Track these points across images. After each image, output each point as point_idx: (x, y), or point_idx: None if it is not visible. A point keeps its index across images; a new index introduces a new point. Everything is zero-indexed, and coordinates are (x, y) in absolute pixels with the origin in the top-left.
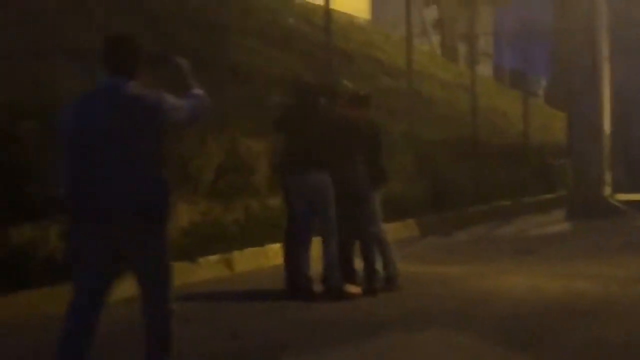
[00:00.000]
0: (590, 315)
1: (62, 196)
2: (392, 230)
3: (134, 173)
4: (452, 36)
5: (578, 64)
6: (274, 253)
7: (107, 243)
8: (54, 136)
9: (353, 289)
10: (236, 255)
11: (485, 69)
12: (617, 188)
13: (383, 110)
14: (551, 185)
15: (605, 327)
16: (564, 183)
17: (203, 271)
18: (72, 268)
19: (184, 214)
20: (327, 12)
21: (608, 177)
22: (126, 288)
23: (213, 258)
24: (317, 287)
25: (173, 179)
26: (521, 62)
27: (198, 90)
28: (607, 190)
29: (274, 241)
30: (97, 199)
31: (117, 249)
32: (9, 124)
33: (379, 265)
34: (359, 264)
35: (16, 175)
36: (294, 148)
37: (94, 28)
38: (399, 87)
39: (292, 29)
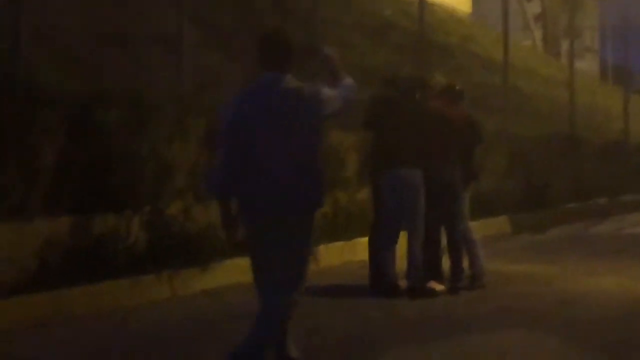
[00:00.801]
0: None
1: (215, 187)
2: (483, 227)
3: (298, 166)
4: (555, 31)
5: None
6: (361, 247)
7: (272, 232)
8: (140, 125)
9: (437, 286)
10: (322, 249)
11: (589, 65)
12: None
13: (478, 106)
14: None
15: None
16: None
17: None
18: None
19: None
20: (421, 2)
21: None
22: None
23: None
24: (401, 284)
25: None
26: (625, 58)
27: (348, 80)
28: None
29: (362, 235)
30: (266, 192)
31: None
32: (94, 113)
33: (465, 264)
34: (445, 261)
35: (100, 164)
36: (386, 143)
37: (186, 16)
38: (495, 82)
39: (389, 22)
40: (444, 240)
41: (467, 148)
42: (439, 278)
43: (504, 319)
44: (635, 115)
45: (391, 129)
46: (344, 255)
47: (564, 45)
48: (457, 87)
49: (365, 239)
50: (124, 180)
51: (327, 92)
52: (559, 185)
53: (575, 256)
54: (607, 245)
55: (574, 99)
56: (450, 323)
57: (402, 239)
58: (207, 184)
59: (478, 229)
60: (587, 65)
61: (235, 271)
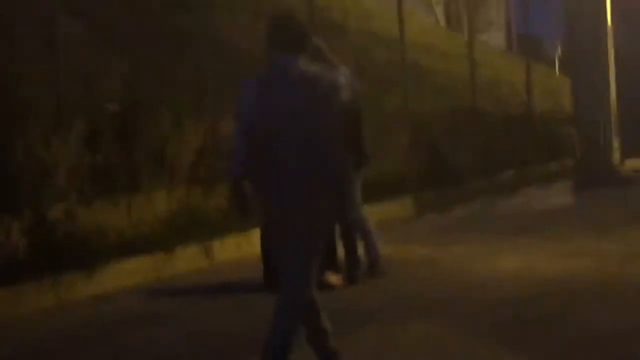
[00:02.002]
0: (582, 299)
1: (237, 171)
2: (386, 210)
3: (317, 151)
4: (458, 6)
5: (583, 28)
6: (257, 239)
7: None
8: (15, 122)
9: (333, 278)
10: (216, 243)
11: (496, 38)
12: (626, 154)
13: (379, 85)
14: (557, 155)
15: (597, 313)
16: (571, 152)
17: (180, 262)
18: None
19: (161, 203)
20: None
21: (616, 143)
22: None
23: (191, 248)
24: None
25: (150, 164)
26: (533, 28)
27: (345, 69)
28: (616, 157)
29: (258, 226)
30: (285, 178)
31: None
32: None
33: (361, 252)
34: (340, 251)
35: None
36: None
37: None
38: (395, 60)
39: (284, 4)
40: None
41: (353, 130)
42: (334, 268)
43: (403, 309)
44: (540, 86)
45: None
46: (240, 248)
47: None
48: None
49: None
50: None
51: (342, 78)
52: (463, 161)
53: (479, 236)
54: (513, 222)
55: (474, 72)
56: (348, 317)
57: None
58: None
59: (380, 212)
60: (493, 38)
61: (124, 274)
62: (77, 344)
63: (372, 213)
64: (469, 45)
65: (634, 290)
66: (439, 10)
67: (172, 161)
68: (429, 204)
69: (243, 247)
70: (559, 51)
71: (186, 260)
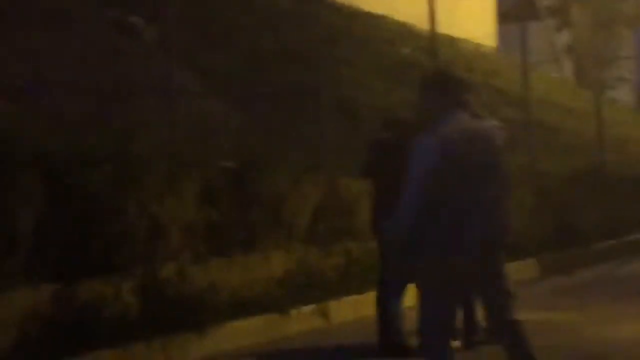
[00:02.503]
0: None
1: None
2: (510, 272)
3: (500, 207)
4: (587, 61)
5: None
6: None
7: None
8: (128, 182)
9: (451, 343)
10: (333, 304)
11: (625, 95)
12: None
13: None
14: None
15: None
16: None
17: (296, 323)
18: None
19: (277, 262)
20: (434, 35)
21: None
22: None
23: (307, 308)
24: (412, 341)
25: (266, 223)
26: None
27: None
28: None
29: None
30: (471, 232)
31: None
32: (77, 172)
33: (480, 315)
34: (459, 314)
35: (85, 226)
36: (386, 192)
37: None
38: (520, 117)
39: (407, 60)
40: None
41: None
42: (452, 333)
43: None
44: None
45: (391, 177)
46: (357, 310)
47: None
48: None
49: None
50: (112, 242)
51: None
52: (589, 223)
53: (603, 299)
54: (637, 285)
55: (602, 131)
56: None
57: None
58: (395, 224)
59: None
60: (622, 95)
61: (236, 334)
62: None
63: None
64: (596, 101)
65: None
66: (568, 66)
67: (289, 220)
68: (552, 265)
69: (360, 309)
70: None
71: (301, 321)
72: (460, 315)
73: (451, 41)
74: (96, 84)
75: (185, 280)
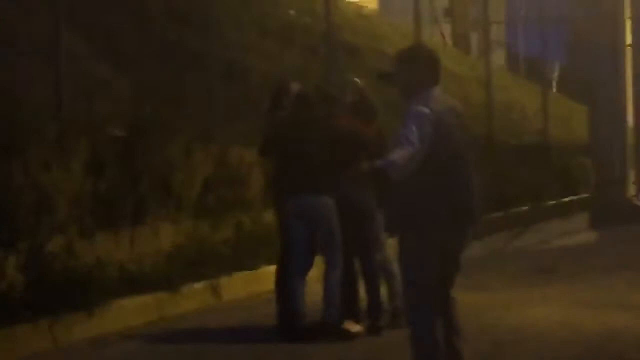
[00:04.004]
0: None
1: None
2: None
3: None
4: (464, 25)
5: (599, 54)
6: (267, 277)
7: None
8: (12, 149)
9: (353, 327)
10: (224, 281)
11: (497, 59)
12: None
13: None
14: (572, 187)
15: None
16: (586, 184)
17: (186, 301)
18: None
19: (166, 236)
20: (327, 1)
21: (632, 175)
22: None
23: (198, 286)
24: (313, 324)
25: (155, 194)
26: (536, 49)
27: None
28: (632, 191)
29: (269, 263)
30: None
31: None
32: None
33: (384, 298)
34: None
35: None
36: (289, 168)
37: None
38: None
39: (293, 22)
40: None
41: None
42: (355, 316)
43: None
44: (549, 111)
45: (293, 153)
46: (250, 286)
47: (473, 40)
48: (372, 104)
49: (273, 267)
50: None
51: None
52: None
53: (503, 279)
54: (536, 263)
55: (492, 98)
56: None
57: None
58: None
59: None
60: (496, 58)
61: (125, 313)
62: None
63: None
64: (486, 69)
65: None
66: (446, 28)
67: (179, 191)
68: None
69: (251, 285)
70: (556, 73)
71: (192, 299)
72: (365, 298)
73: (335, 2)
74: None
75: (72, 256)
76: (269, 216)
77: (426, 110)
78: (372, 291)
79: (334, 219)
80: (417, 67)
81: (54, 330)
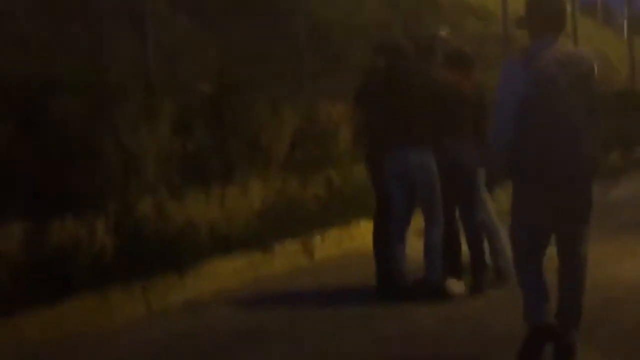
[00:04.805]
0: None
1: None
2: None
3: (582, 133)
4: None
5: None
6: (359, 233)
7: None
8: (100, 111)
9: (456, 286)
10: (317, 240)
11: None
12: None
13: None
14: None
15: None
16: None
17: (279, 261)
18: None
19: (256, 194)
20: None
21: None
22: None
23: (290, 245)
24: (415, 284)
25: (242, 154)
26: None
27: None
28: None
29: (359, 220)
30: (558, 155)
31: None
32: (46, 100)
33: (488, 258)
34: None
35: (55, 160)
36: (385, 122)
37: None
38: (491, 33)
39: None
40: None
41: (478, 123)
42: (458, 275)
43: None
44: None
45: (389, 106)
46: (342, 244)
47: None
48: (468, 52)
49: (365, 222)
50: (84, 176)
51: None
52: None
53: (606, 232)
54: (634, 215)
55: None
56: (472, 339)
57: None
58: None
59: None
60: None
61: (218, 275)
62: None
63: None
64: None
65: None
66: None
67: (267, 147)
68: None
69: (344, 243)
70: (625, 17)
71: (285, 259)
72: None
73: None
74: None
75: (162, 217)
76: (358, 172)
77: (517, 63)
78: (475, 249)
79: (435, 174)
80: (531, 14)
81: (147, 294)
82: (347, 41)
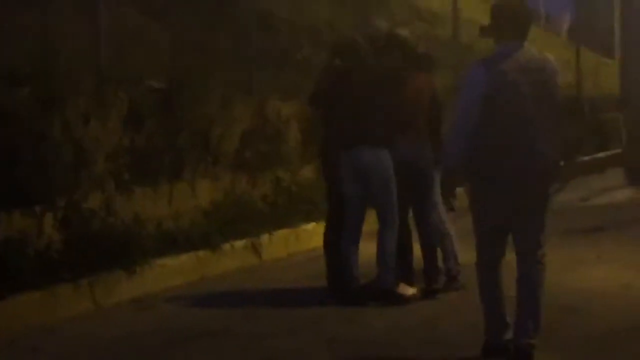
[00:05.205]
0: None
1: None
2: None
3: (542, 137)
4: None
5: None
6: (307, 235)
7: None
8: (49, 103)
9: (408, 290)
10: (265, 239)
11: None
12: None
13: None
14: (604, 143)
15: None
16: (618, 139)
17: (227, 260)
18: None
19: (204, 192)
20: None
21: None
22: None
23: (239, 244)
24: (367, 287)
25: (191, 150)
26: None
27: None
28: None
29: (308, 220)
30: (515, 157)
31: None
32: None
33: (439, 260)
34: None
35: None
36: (341, 121)
37: None
38: (439, 35)
39: None
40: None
41: (434, 122)
42: (410, 279)
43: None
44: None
45: (345, 105)
46: (289, 245)
47: None
48: (429, 54)
49: (312, 224)
50: (32, 169)
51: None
52: None
53: (554, 237)
54: (581, 220)
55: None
56: (426, 343)
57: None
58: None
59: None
60: None
61: (166, 273)
62: None
63: None
64: None
65: None
66: None
67: (217, 145)
68: None
69: (291, 244)
70: (566, 27)
71: (233, 258)
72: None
73: None
74: None
75: (110, 212)
76: (307, 172)
77: (480, 68)
78: (428, 252)
79: (391, 174)
80: (496, 21)
81: (94, 290)
82: (294, 39)
